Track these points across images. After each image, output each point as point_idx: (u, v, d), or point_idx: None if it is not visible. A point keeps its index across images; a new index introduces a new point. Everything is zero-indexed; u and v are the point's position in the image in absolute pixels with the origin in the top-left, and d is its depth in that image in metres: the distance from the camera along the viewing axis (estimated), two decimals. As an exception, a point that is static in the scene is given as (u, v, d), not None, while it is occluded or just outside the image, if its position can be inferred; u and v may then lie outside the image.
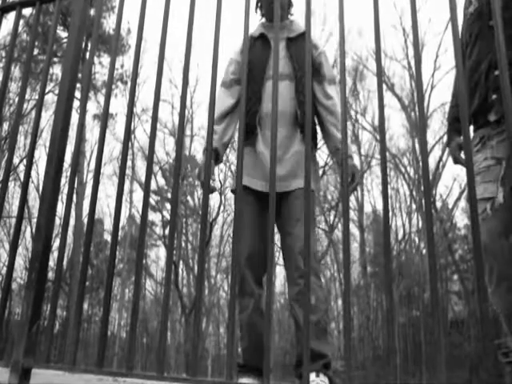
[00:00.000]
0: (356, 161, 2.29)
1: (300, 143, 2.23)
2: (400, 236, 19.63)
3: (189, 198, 20.63)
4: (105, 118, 1.45)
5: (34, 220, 15.50)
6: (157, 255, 25.62)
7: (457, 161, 2.21)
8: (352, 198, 19.88)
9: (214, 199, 18.88)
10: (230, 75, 2.41)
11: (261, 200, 2.23)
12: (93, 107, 18.45)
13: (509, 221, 1.82)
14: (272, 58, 2.24)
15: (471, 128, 2.12)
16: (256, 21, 2.47)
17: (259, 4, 2.45)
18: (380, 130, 1.19)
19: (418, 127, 1.22)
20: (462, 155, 2.16)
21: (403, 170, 19.26)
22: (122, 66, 17.49)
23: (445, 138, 18.15)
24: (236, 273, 1.20)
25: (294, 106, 2.23)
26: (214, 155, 2.27)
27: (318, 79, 2.30)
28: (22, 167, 16.26)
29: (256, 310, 2.16)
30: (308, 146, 1.23)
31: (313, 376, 1.92)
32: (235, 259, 1.19)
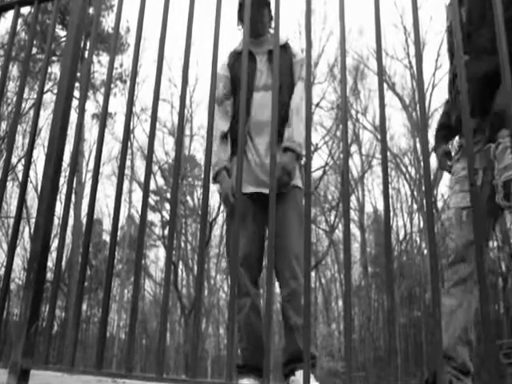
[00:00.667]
0: (290, 158, 2.29)
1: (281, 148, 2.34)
2: (401, 236, 19.65)
3: (188, 198, 20.65)
4: (104, 117, 1.45)
5: (33, 220, 15.50)
6: (156, 256, 25.64)
7: (443, 167, 2.30)
8: (353, 198, 19.91)
9: (214, 199, 18.89)
10: (219, 91, 2.47)
11: (254, 202, 2.33)
12: (92, 106, 18.44)
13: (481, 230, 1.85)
14: (258, 70, 2.42)
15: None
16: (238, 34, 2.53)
17: (241, 20, 2.53)
18: (381, 129, 1.19)
19: (419, 126, 1.21)
20: (449, 162, 2.25)
21: (404, 169, 19.27)
22: (121, 65, 17.50)
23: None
24: (235, 273, 1.20)
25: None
26: (228, 174, 2.36)
27: (293, 81, 2.44)
28: (20, 167, 16.27)
29: (253, 309, 2.21)
30: (309, 149, 1.23)
31: (301, 372, 2.01)
32: (233, 261, 1.19)
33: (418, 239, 19.41)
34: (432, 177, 16.41)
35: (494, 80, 1.75)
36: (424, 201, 1.26)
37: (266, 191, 2.25)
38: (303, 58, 2.50)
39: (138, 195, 21.58)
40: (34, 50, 14.78)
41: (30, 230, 17.99)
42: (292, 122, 2.32)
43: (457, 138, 2.24)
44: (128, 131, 1.41)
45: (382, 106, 1.21)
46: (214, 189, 2.61)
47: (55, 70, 15.95)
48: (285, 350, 2.19)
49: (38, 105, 1.58)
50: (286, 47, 2.49)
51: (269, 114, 2.21)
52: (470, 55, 1.92)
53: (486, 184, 1.94)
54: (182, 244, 20.42)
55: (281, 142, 2.32)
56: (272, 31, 2.53)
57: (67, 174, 1.48)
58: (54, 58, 15.36)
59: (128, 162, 18.23)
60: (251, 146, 2.38)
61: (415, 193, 18.51)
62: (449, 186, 2.18)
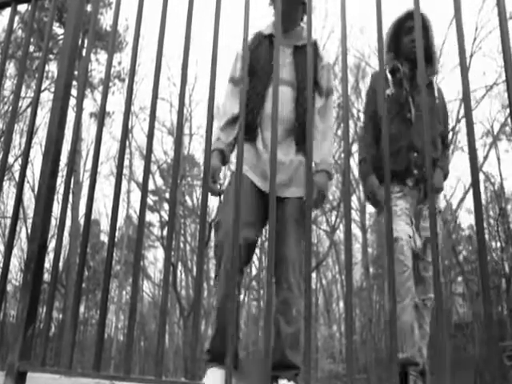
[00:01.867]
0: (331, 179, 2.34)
1: (295, 153, 2.29)
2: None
3: (187, 198, 20.63)
4: (102, 116, 1.45)
5: (30, 220, 15.50)
6: (155, 256, 25.62)
7: (376, 203, 2.62)
8: (354, 199, 19.89)
9: (214, 199, 18.87)
10: (237, 72, 2.39)
11: (261, 193, 2.26)
12: (89, 105, 18.43)
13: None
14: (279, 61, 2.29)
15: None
16: (258, 17, 2.44)
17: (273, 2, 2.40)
18: (383, 127, 1.19)
19: (423, 126, 1.22)
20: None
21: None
22: (119, 63, 17.48)
23: (449, 137, 18.16)
24: (235, 275, 1.20)
25: (293, 115, 2.28)
26: (220, 157, 2.29)
27: (318, 91, 2.36)
28: (17, 166, 16.25)
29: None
30: (310, 160, 1.23)
31: (285, 381, 2.10)
32: (234, 263, 1.19)
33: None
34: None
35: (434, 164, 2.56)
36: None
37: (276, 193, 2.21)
38: (330, 64, 2.43)
39: (136, 195, 21.55)
40: (31, 48, 14.78)
41: (26, 230, 17.98)
42: (323, 145, 2.31)
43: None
44: (126, 130, 1.41)
45: (384, 104, 1.22)
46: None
47: (52, 68, 15.94)
48: (274, 356, 2.13)
49: (35, 103, 1.58)
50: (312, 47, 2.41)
51: (285, 109, 2.20)
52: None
53: (414, 226, 2.51)
54: (181, 245, 20.41)
55: (296, 143, 2.28)
56: (304, 26, 2.41)
57: (65, 173, 1.48)
58: (52, 56, 15.35)
59: (126, 162, 18.24)
60: (261, 139, 2.30)
61: (417, 193, 18.48)
62: (394, 213, 2.62)
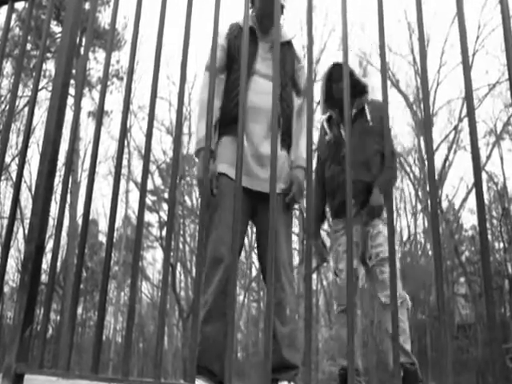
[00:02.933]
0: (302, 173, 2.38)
1: (280, 148, 2.35)
2: (405, 237, 19.63)
3: (187, 198, 20.63)
4: (100, 115, 1.45)
5: (27, 221, 15.50)
6: (153, 257, 25.63)
7: (323, 259, 3.08)
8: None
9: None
10: (218, 61, 2.35)
11: (244, 192, 2.21)
12: (87, 104, 18.46)
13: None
14: (259, 55, 2.38)
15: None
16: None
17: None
18: (385, 126, 1.19)
19: (424, 125, 1.22)
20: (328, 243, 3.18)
21: (408, 169, 19.25)
22: (117, 62, 17.48)
23: (451, 136, 18.17)
24: (234, 276, 1.20)
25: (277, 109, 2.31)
26: (212, 158, 2.31)
27: (295, 90, 2.47)
28: (14, 166, 16.25)
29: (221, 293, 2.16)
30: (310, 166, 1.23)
31: (285, 383, 2.12)
32: (232, 268, 1.19)
33: (422, 240, 19.40)
34: (437, 176, 16.42)
35: (370, 187, 2.89)
36: (428, 201, 1.26)
37: (260, 189, 2.25)
38: (303, 66, 2.53)
39: (134, 195, 21.56)
40: (29, 47, 14.78)
41: (24, 230, 17.98)
42: (300, 143, 2.39)
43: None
44: (125, 130, 1.41)
45: (386, 102, 1.21)
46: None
47: (50, 66, 15.94)
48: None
49: (32, 102, 1.58)
50: (290, 44, 2.47)
51: (267, 100, 2.20)
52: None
53: (361, 252, 2.89)
54: (180, 245, 20.41)
55: (282, 138, 2.34)
56: (283, 24, 2.51)
57: (62, 173, 1.48)
58: (49, 55, 15.35)
59: (125, 162, 18.24)
60: (244, 133, 2.31)
61: (419, 193, 18.50)
62: (335, 254, 3.00)
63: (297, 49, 2.53)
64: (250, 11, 2.48)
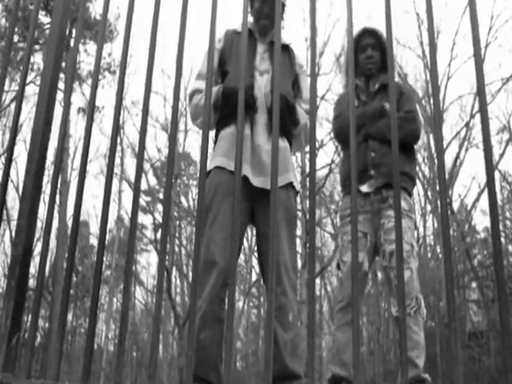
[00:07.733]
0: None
1: (280, 139, 2.38)
2: (414, 240, 19.61)
3: (183, 198, 20.64)
4: (91, 111, 1.45)
5: (14, 222, 15.48)
6: (147, 261, 25.71)
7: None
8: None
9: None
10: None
11: (245, 186, 2.23)
12: (78, 99, 18.44)
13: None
14: (258, 53, 2.54)
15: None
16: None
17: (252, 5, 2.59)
18: (392, 125, 1.19)
19: (434, 121, 1.22)
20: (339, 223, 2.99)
21: (417, 168, 19.27)
22: (109, 55, 17.48)
23: (462, 133, 18.17)
24: (233, 280, 1.20)
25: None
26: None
27: (295, 93, 2.58)
28: (0, 165, 16.26)
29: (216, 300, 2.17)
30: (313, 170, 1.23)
31: None
32: (232, 270, 1.19)
33: (432, 243, 19.41)
34: (447, 176, 16.39)
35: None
36: (439, 202, 1.26)
37: (260, 185, 2.29)
38: (304, 65, 2.69)
39: (128, 195, 21.58)
40: (16, 38, 14.78)
41: (10, 233, 17.99)
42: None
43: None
44: (117, 126, 1.41)
45: (393, 98, 1.22)
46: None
47: (38, 59, 15.94)
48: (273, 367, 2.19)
49: (19, 98, 1.58)
50: (288, 49, 2.61)
51: (263, 94, 2.42)
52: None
53: (371, 244, 2.75)
54: (176, 248, 20.41)
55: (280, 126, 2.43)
56: (283, 25, 2.62)
57: (51, 172, 1.48)
58: (37, 47, 15.35)
59: (117, 160, 18.24)
60: (250, 120, 2.40)
61: (429, 193, 18.51)
62: (340, 244, 2.85)
63: (297, 54, 2.67)
64: (249, 16, 2.61)
